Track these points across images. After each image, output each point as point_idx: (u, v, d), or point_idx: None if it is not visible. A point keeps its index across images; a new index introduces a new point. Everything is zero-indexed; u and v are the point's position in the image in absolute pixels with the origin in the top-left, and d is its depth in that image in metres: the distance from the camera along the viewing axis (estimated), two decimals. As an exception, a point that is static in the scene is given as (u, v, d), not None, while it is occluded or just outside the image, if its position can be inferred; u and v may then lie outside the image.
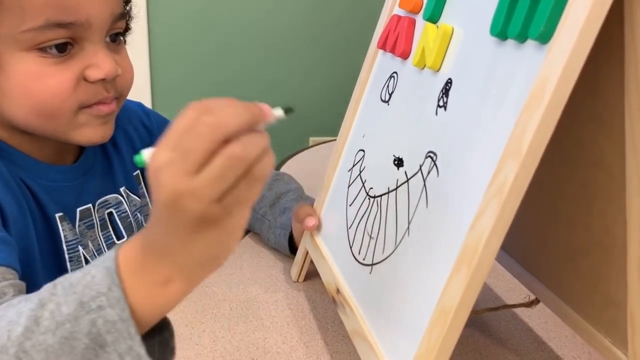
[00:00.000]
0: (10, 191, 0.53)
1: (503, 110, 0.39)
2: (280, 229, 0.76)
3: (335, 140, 0.69)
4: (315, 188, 0.71)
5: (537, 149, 0.35)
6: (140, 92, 1.70)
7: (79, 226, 0.62)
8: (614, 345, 0.47)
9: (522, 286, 0.59)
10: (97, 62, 0.53)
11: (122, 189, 0.70)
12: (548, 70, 0.35)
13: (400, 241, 0.48)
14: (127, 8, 0.59)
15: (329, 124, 1.91)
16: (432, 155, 0.46)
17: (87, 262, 0.62)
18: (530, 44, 0.38)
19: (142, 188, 0.73)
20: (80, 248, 0.61)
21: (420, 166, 0.47)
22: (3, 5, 0.48)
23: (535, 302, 0.59)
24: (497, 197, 0.37)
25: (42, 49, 0.51)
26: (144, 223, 0.73)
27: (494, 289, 0.72)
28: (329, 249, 0.63)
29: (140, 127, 0.74)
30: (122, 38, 0.59)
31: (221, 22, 1.73)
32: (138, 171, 0.72)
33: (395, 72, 0.56)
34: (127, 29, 0.60)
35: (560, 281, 0.53)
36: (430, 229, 0.44)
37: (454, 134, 0.44)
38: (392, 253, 0.49)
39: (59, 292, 0.38)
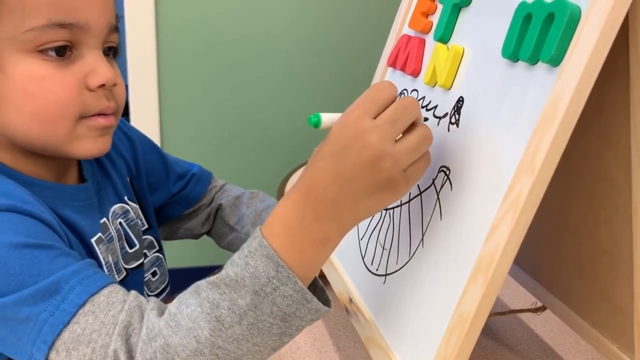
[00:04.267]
0: (55, 220, 0.53)
1: (516, 128, 0.41)
2: None
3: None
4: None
5: (550, 165, 0.38)
6: (148, 109, 1.70)
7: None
8: (620, 351, 0.49)
9: (527, 294, 0.62)
10: (96, 68, 0.53)
11: (125, 198, 0.71)
12: (560, 91, 0.37)
13: (415, 252, 0.50)
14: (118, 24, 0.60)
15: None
16: (445, 169, 0.48)
17: None
18: (541, 66, 0.40)
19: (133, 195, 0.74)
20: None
21: (434, 180, 0.50)
22: (4, 5, 0.48)
23: (542, 308, 0.62)
24: (512, 210, 0.39)
25: (42, 52, 0.50)
26: (142, 227, 0.74)
27: (500, 297, 0.74)
28: (339, 260, 0.65)
29: (123, 137, 0.74)
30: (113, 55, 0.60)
31: (231, 39, 1.75)
32: (128, 178, 0.74)
33: (405, 89, 0.58)
34: (117, 49, 0.61)
35: (568, 289, 0.56)
36: (445, 241, 0.46)
37: (466, 150, 0.46)
38: (406, 263, 0.51)
39: (224, 289, 0.44)
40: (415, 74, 0.57)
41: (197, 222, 0.84)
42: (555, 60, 0.38)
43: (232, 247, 0.81)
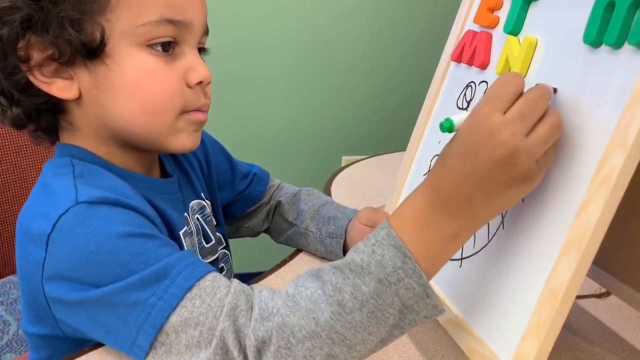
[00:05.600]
0: (153, 212, 0.55)
1: (602, 109, 0.43)
2: (330, 238, 0.78)
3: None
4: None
5: (642, 141, 0.40)
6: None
7: None
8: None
9: (587, 281, 0.63)
10: (195, 65, 0.57)
11: (201, 194, 0.74)
12: (651, 71, 0.39)
13: (494, 235, 0.52)
14: None
15: (361, 142, 1.95)
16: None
17: None
18: (627, 49, 0.42)
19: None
20: None
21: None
22: (124, 0, 0.51)
23: (606, 294, 0.63)
24: (604, 186, 0.41)
25: (150, 46, 0.53)
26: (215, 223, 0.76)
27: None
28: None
29: None
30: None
31: (258, 32, 1.77)
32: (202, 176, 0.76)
33: (473, 82, 0.61)
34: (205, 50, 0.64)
35: (635, 273, 0.57)
36: (530, 221, 0.48)
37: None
38: (484, 247, 0.53)
39: (348, 274, 0.44)
40: (484, 66, 0.59)
41: (258, 219, 0.87)
42: (644, 43, 0.41)
43: (291, 242, 0.84)
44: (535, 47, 0.52)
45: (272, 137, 1.89)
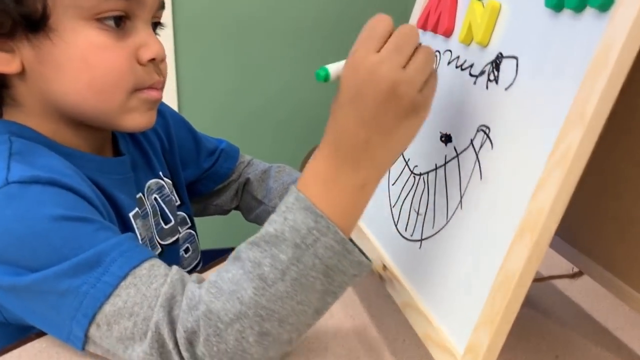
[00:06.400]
0: (94, 193, 0.53)
1: (562, 80, 0.40)
2: None
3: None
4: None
5: (601, 114, 0.36)
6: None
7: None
8: (667, 311, 0.47)
9: (562, 261, 0.60)
10: (147, 42, 0.54)
11: (160, 173, 0.71)
12: (611, 37, 0.36)
13: (453, 214, 0.49)
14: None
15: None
16: (484, 128, 0.47)
17: None
18: (589, 12, 0.38)
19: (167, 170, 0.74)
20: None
21: (472, 140, 0.48)
22: None
23: (579, 274, 0.60)
24: (560, 165, 0.37)
25: (100, 20, 0.51)
26: (176, 203, 0.73)
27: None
28: (370, 229, 0.64)
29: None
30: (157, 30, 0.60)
31: (241, 13, 1.73)
32: (162, 154, 0.73)
33: (438, 51, 0.57)
34: (161, 25, 0.61)
35: (609, 253, 0.54)
36: (487, 201, 0.45)
37: (508, 106, 0.45)
38: (443, 227, 0.50)
39: (264, 246, 0.43)
40: (448, 33, 0.55)
41: (226, 197, 0.84)
42: (606, 5, 0.37)
43: (260, 220, 0.81)
44: (499, 12, 0.48)
45: (273, 114, 1.85)
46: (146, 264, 0.46)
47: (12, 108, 0.56)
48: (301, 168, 1.03)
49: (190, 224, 0.78)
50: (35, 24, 0.49)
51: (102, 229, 0.48)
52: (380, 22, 0.44)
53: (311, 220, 0.43)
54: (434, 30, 0.57)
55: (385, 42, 0.43)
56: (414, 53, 0.43)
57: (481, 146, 0.47)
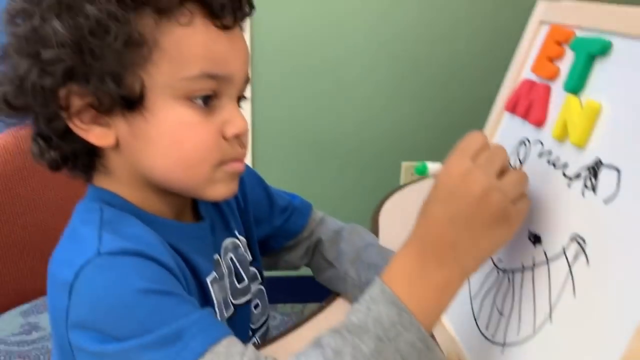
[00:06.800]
0: (174, 261, 0.54)
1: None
2: None
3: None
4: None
5: None
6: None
7: None
8: None
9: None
10: (232, 118, 0.55)
11: (235, 232, 0.71)
12: None
13: (541, 327, 0.46)
14: None
15: (421, 147, 1.88)
16: (579, 240, 0.44)
17: None
18: None
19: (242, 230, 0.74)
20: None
21: (564, 249, 0.45)
22: (166, 54, 0.51)
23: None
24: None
25: (190, 99, 0.52)
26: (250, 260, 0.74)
27: None
28: (448, 317, 0.61)
29: None
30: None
31: (323, 38, 1.73)
32: (237, 212, 0.74)
33: (528, 139, 0.54)
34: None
35: None
36: (582, 324, 0.41)
37: (608, 223, 0.41)
38: (530, 337, 0.47)
39: (346, 335, 0.44)
40: (540, 124, 0.52)
41: (297, 254, 0.83)
42: None
43: (330, 284, 0.80)
44: (599, 114, 0.45)
45: (330, 141, 1.85)
46: (224, 342, 0.47)
47: (103, 175, 0.59)
48: (372, 223, 1.01)
49: (260, 280, 0.78)
50: (132, 104, 0.52)
51: (183, 303, 0.49)
52: (476, 136, 0.48)
53: (395, 314, 0.43)
54: (524, 117, 0.54)
55: (478, 155, 0.46)
56: (509, 171, 0.46)
57: (575, 259, 0.44)
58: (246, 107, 1.70)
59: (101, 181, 0.59)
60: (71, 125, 0.53)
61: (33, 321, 1.91)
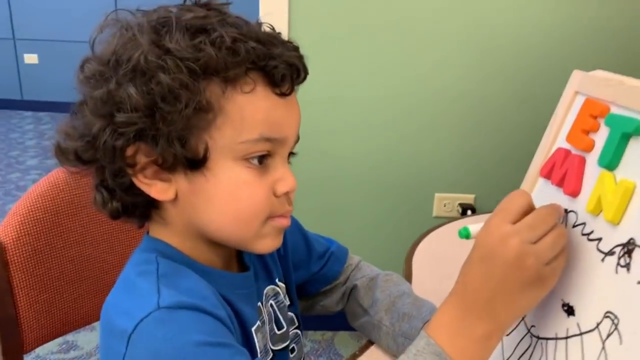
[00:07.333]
0: (225, 312, 0.57)
1: None
2: (403, 338, 0.74)
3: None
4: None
5: None
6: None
7: None
8: None
9: None
10: (284, 176, 0.58)
11: (276, 279, 0.74)
12: None
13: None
14: None
15: (455, 180, 1.88)
16: (611, 316, 0.45)
17: None
18: None
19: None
20: None
21: (598, 324, 0.46)
22: (229, 119, 0.54)
23: None
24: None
25: (247, 159, 0.56)
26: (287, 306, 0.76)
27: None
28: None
29: None
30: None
31: (355, 69, 1.76)
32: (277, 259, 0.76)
33: (565, 209, 0.55)
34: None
35: None
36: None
37: (641, 304, 0.43)
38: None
39: None
40: (575, 194, 0.53)
41: (333, 299, 0.85)
42: None
43: (364, 330, 0.81)
44: (633, 193, 0.46)
45: (362, 175, 1.87)
46: None
47: (159, 225, 0.62)
48: (406, 264, 1.03)
49: (297, 324, 0.80)
50: (195, 164, 0.55)
51: (237, 354, 0.52)
52: (519, 197, 0.51)
53: None
54: (559, 185, 0.56)
55: (521, 216, 0.49)
56: (550, 232, 0.48)
57: (608, 336, 0.45)
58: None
59: (156, 231, 0.62)
60: (135, 180, 0.56)
61: (71, 339, 1.96)
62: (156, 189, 0.57)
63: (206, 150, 0.54)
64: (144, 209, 0.61)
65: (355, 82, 1.77)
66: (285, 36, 0.60)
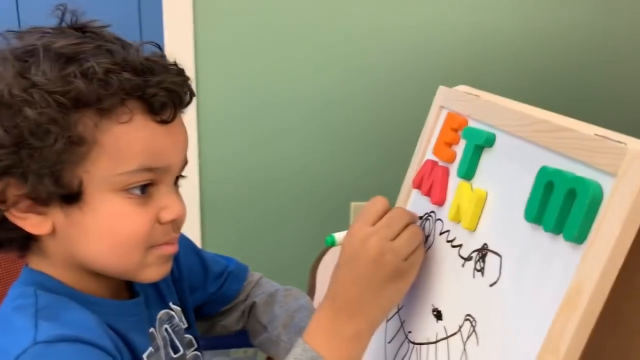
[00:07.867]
0: (112, 342, 0.55)
1: (541, 298, 0.40)
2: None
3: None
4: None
5: (575, 351, 0.37)
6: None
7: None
8: None
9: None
10: (169, 204, 0.56)
11: (170, 303, 0.73)
12: (583, 276, 0.36)
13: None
14: None
15: (370, 188, 1.91)
16: (470, 319, 0.48)
17: None
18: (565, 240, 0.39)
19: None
20: None
21: (460, 327, 0.49)
22: (104, 150, 0.52)
23: None
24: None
25: (127, 190, 0.54)
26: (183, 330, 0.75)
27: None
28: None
29: None
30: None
31: (269, 80, 1.76)
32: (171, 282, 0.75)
33: (432, 213, 0.57)
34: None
35: None
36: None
37: (492, 306, 0.45)
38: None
39: None
40: (440, 204, 0.56)
41: (232, 318, 0.85)
42: (579, 240, 0.38)
43: (264, 348, 0.81)
44: (485, 201, 0.49)
45: (278, 180, 1.87)
46: None
47: (38, 257, 0.59)
48: (310, 276, 1.04)
49: (196, 346, 0.79)
50: (69, 198, 0.53)
51: None
52: (376, 202, 0.54)
53: None
54: (428, 195, 0.58)
55: (379, 219, 0.53)
56: (404, 229, 0.52)
57: (468, 337, 0.47)
58: (193, 148, 1.71)
59: (35, 263, 0.59)
60: (8, 215, 0.53)
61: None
62: (31, 222, 0.54)
63: (80, 184, 0.52)
64: (22, 242, 0.58)
65: (265, 89, 1.77)
66: (170, 56, 0.58)
